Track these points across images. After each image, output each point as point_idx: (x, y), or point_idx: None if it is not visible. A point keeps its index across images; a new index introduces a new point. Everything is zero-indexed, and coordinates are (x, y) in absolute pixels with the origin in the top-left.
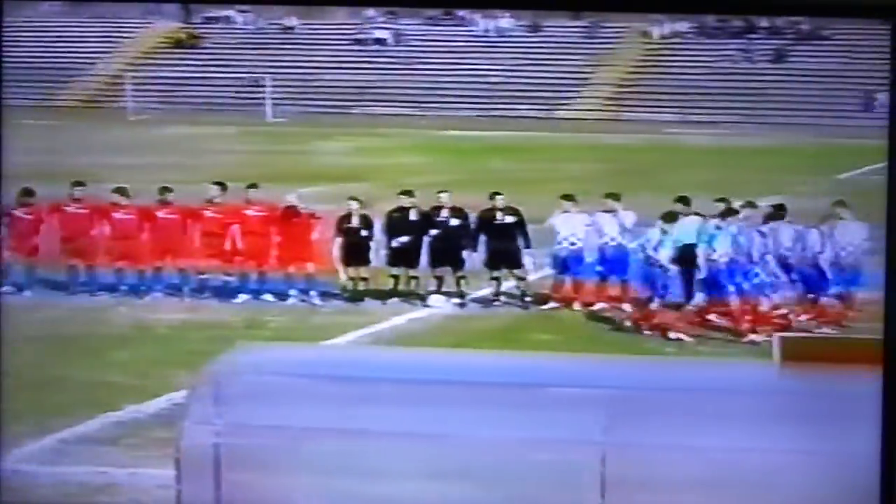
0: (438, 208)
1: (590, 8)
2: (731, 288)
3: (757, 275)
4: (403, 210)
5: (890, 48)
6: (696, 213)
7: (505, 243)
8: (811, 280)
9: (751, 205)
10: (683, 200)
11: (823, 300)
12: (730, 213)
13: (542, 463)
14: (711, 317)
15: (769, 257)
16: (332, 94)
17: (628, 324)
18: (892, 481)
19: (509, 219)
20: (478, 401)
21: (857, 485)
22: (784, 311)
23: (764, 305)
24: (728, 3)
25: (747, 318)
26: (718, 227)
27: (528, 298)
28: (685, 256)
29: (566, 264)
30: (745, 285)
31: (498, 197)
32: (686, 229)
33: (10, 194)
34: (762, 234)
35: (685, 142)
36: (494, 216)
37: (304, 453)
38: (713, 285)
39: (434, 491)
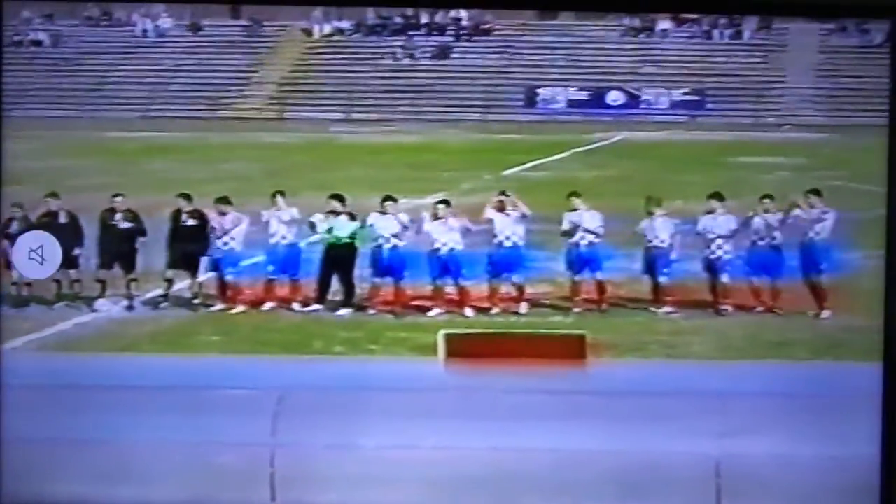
0: (112, 211)
1: (592, 8)
2: None
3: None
4: (52, 214)
5: (890, 48)
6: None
7: (188, 246)
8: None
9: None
10: (339, 198)
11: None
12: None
13: (212, 466)
14: None
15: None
16: None
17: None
18: (892, 483)
19: (192, 222)
20: (147, 404)
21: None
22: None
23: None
24: (729, 2)
25: None
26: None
27: (196, 300)
28: (341, 252)
29: (229, 264)
30: None
31: (183, 200)
32: (342, 226)
33: None
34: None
35: (349, 140)
36: (180, 218)
37: None
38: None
39: (103, 495)
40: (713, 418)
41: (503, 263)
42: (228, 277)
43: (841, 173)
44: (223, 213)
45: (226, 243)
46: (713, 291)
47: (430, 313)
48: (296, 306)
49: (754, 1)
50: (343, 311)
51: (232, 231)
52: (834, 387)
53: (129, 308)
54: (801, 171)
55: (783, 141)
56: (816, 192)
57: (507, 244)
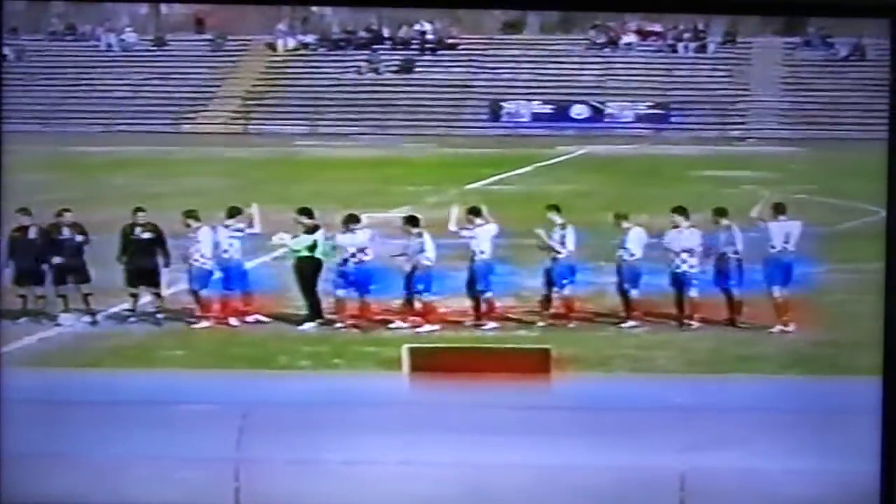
0: (58, 226)
1: (594, 8)
2: None
3: None
4: (22, 229)
5: (890, 48)
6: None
7: (144, 260)
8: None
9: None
10: (306, 212)
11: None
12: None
13: (177, 481)
14: None
15: None
16: None
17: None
18: (892, 494)
19: (147, 235)
20: (112, 419)
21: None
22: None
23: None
24: (733, 3)
25: None
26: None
27: (160, 315)
28: (305, 267)
29: (200, 280)
30: None
31: (139, 213)
32: (302, 242)
33: None
34: None
35: (314, 154)
36: (133, 231)
37: None
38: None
39: None
40: (678, 432)
41: (473, 279)
42: (198, 292)
43: (806, 187)
44: (188, 227)
45: (193, 258)
46: (678, 305)
47: (392, 325)
48: (265, 320)
49: (753, 1)
50: (307, 326)
51: (197, 245)
52: (800, 401)
53: (93, 323)
54: (766, 185)
55: (748, 154)
56: (781, 206)
57: (480, 259)
